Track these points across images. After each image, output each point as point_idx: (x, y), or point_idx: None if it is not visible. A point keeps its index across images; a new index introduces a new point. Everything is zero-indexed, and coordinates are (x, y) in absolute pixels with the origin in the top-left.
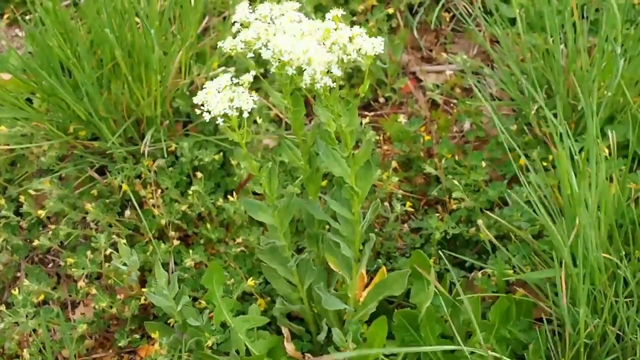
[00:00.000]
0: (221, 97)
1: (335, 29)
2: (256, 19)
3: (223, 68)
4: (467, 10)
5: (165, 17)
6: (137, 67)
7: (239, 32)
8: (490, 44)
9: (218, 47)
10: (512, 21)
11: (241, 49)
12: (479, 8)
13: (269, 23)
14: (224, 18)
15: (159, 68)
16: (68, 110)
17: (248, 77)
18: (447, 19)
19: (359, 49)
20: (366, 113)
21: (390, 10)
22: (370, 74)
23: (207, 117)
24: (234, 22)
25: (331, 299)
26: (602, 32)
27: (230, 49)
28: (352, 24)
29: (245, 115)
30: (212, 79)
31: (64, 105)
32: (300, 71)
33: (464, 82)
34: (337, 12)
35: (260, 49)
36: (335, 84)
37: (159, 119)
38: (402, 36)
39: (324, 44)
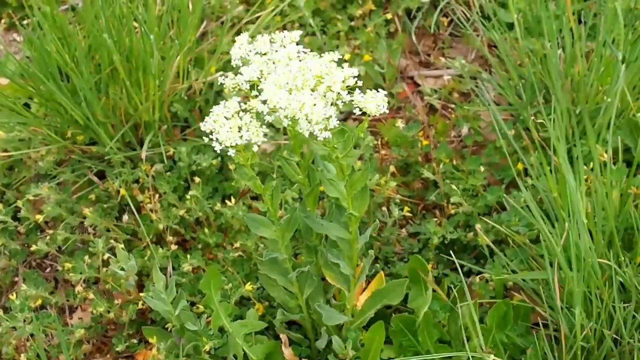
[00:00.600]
0: (230, 126)
1: (328, 73)
2: (256, 54)
3: (221, 73)
4: (465, 15)
5: (163, 22)
6: (135, 72)
7: (239, 68)
8: (488, 49)
9: (215, 53)
10: (510, 26)
11: (245, 88)
12: (477, 13)
13: (268, 59)
14: (222, 23)
15: (157, 73)
16: (66, 115)
17: (255, 103)
18: (445, 24)
19: (353, 102)
20: (363, 117)
21: (389, 15)
22: (368, 78)
23: (217, 147)
24: (233, 59)
25: (331, 313)
26: (600, 37)
27: (233, 87)
28: (350, 28)
29: (255, 148)
30: (210, 84)
31: (61, 110)
32: (295, 121)
33: (462, 87)
34: (333, 56)
35: (256, 97)
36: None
37: (157, 124)
38: (400, 41)
39: (319, 90)
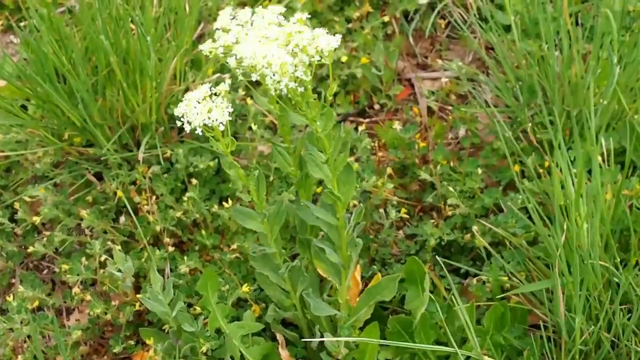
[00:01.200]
0: (200, 108)
1: (298, 32)
2: (237, 25)
3: (218, 75)
4: (463, 17)
5: (160, 24)
6: (132, 74)
7: (219, 37)
8: (486, 51)
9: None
10: (507, 28)
11: (221, 53)
12: (474, 15)
13: (247, 28)
14: None
15: (154, 74)
16: (63, 117)
17: (224, 87)
18: (443, 26)
19: (317, 47)
20: (361, 120)
21: (386, 18)
22: (365, 80)
23: (187, 128)
24: (216, 29)
25: (321, 304)
26: (597, 39)
27: (209, 52)
28: (348, 31)
29: (221, 128)
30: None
31: (58, 111)
32: (264, 77)
33: (460, 89)
34: (302, 15)
35: (228, 55)
36: (303, 88)
37: (153, 126)
38: (397, 43)
39: (288, 48)
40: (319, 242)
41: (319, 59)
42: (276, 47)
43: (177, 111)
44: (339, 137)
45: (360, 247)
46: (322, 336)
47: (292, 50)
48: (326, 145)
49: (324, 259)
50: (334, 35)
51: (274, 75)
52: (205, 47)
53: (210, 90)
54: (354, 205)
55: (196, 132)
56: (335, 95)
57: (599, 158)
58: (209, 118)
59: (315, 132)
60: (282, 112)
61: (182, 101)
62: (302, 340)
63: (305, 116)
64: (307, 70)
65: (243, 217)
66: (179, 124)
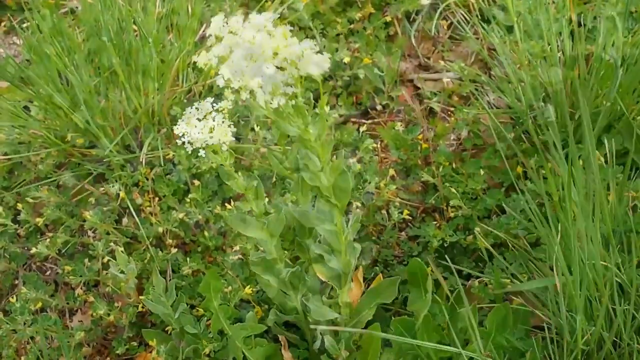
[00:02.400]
0: (202, 127)
1: (285, 46)
2: (229, 32)
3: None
4: (465, 18)
5: (162, 25)
6: (135, 75)
7: (212, 46)
8: (488, 52)
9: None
10: (510, 29)
11: (216, 64)
12: (477, 16)
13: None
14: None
15: (157, 76)
16: (65, 118)
17: (227, 104)
18: (445, 27)
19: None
20: (363, 121)
21: (388, 18)
22: (367, 81)
23: (189, 148)
24: (209, 35)
25: (322, 309)
26: (600, 40)
27: (204, 64)
28: (350, 31)
29: (224, 148)
30: (210, 87)
31: (61, 113)
32: (254, 96)
33: (462, 90)
34: (285, 28)
35: (217, 76)
36: (294, 101)
37: (156, 127)
38: (399, 44)
39: (276, 61)
40: (318, 248)
41: (308, 72)
42: (265, 66)
43: (177, 130)
44: (331, 141)
45: (359, 251)
46: (323, 339)
47: (282, 64)
48: (320, 154)
49: (323, 264)
50: (322, 49)
51: (266, 95)
52: (201, 60)
53: (212, 106)
54: (357, 207)
55: (199, 154)
56: (337, 96)
57: (602, 159)
58: (211, 138)
59: (308, 141)
60: (276, 119)
61: (182, 117)
62: (305, 341)
63: (297, 127)
64: (298, 83)
65: (242, 225)
66: (179, 142)
